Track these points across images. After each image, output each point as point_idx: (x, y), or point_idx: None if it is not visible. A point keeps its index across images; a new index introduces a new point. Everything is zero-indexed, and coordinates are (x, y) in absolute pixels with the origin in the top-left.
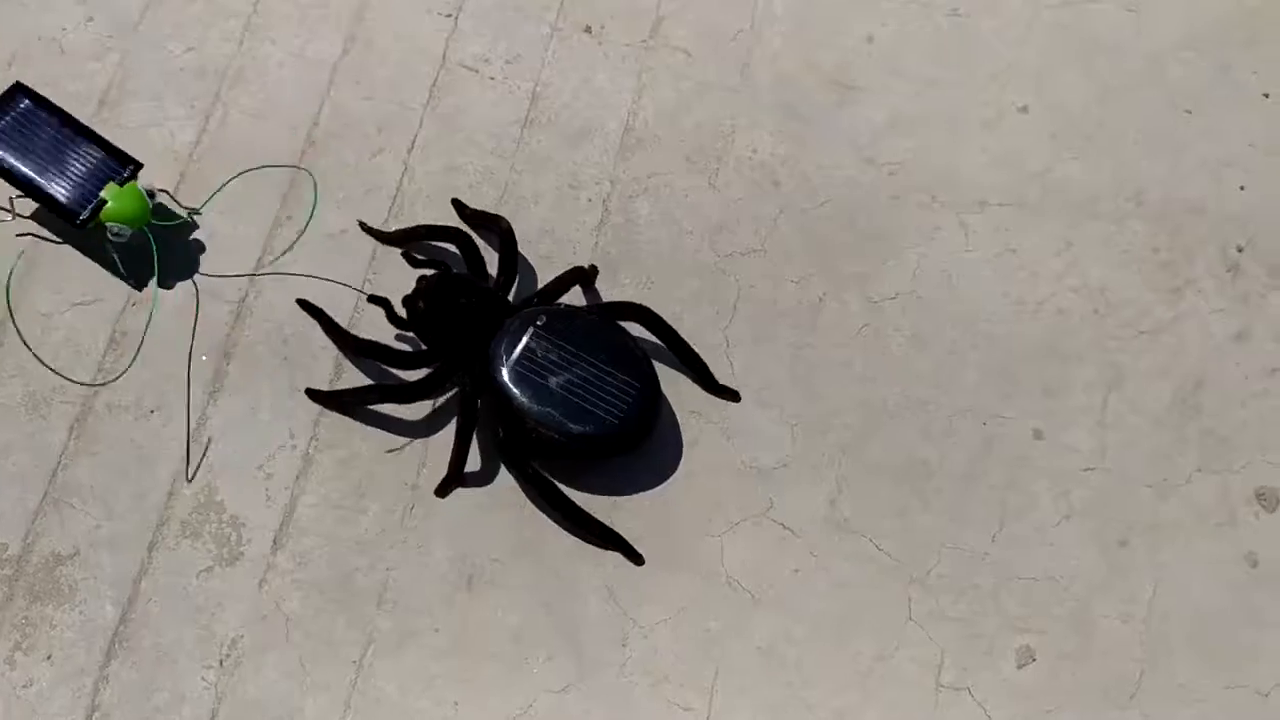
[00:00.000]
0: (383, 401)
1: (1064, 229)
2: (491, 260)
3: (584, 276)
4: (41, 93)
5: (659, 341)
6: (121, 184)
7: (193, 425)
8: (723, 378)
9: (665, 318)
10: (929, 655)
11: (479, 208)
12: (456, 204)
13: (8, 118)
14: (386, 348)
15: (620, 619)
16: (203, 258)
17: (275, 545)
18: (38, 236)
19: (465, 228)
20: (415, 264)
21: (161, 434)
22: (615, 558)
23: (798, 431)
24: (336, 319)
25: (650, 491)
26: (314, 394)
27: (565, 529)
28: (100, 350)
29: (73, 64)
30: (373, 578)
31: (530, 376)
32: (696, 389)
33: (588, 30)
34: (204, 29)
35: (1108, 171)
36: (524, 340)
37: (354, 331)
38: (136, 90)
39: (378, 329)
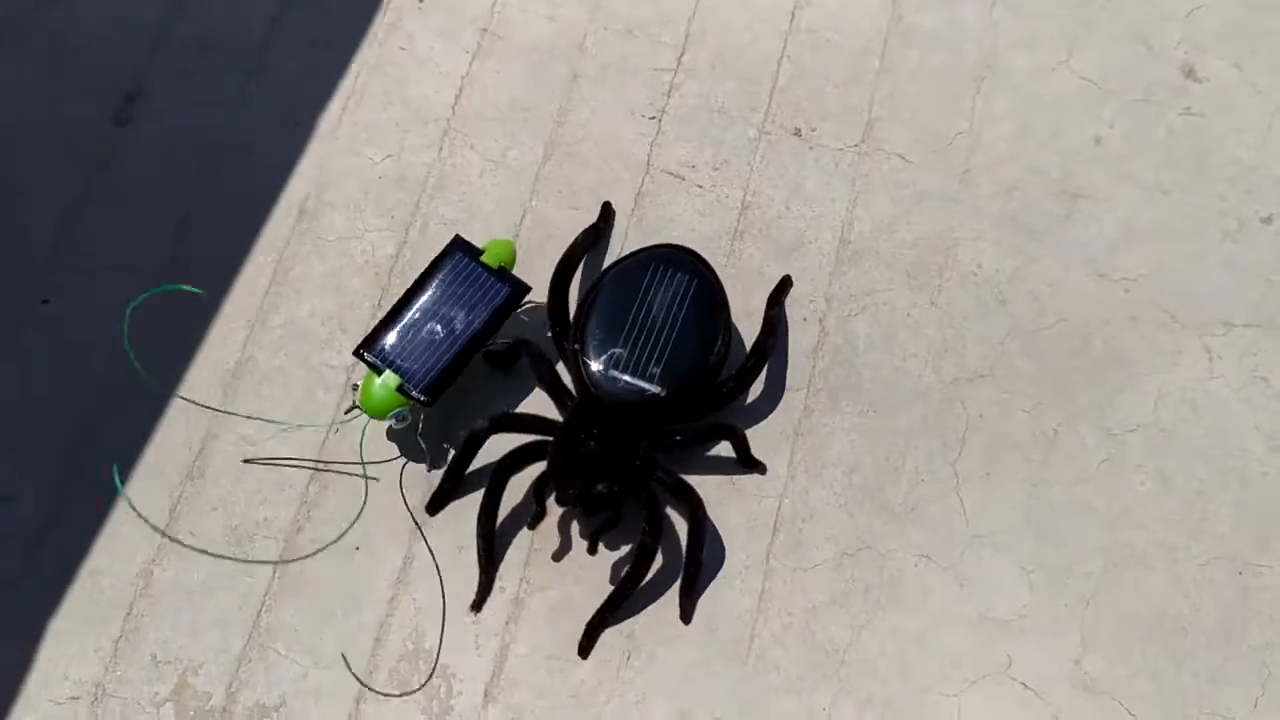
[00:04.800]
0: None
1: None
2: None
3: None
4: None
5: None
6: (393, 388)
7: (398, 565)
8: (953, 516)
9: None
10: None
11: None
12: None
13: (449, 266)
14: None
15: None
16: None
17: (487, 698)
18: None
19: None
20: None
21: (368, 573)
22: None
23: (1036, 579)
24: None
25: (881, 641)
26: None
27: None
28: (302, 484)
29: (269, 173)
30: None
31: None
32: (926, 530)
33: (797, 133)
34: (402, 134)
35: None
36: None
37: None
38: (334, 201)
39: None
